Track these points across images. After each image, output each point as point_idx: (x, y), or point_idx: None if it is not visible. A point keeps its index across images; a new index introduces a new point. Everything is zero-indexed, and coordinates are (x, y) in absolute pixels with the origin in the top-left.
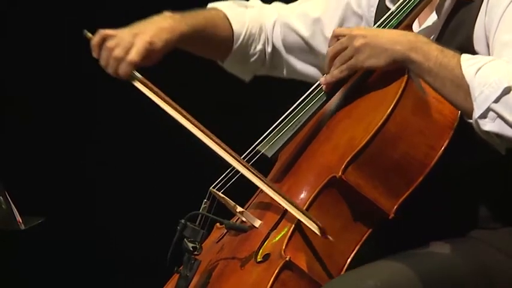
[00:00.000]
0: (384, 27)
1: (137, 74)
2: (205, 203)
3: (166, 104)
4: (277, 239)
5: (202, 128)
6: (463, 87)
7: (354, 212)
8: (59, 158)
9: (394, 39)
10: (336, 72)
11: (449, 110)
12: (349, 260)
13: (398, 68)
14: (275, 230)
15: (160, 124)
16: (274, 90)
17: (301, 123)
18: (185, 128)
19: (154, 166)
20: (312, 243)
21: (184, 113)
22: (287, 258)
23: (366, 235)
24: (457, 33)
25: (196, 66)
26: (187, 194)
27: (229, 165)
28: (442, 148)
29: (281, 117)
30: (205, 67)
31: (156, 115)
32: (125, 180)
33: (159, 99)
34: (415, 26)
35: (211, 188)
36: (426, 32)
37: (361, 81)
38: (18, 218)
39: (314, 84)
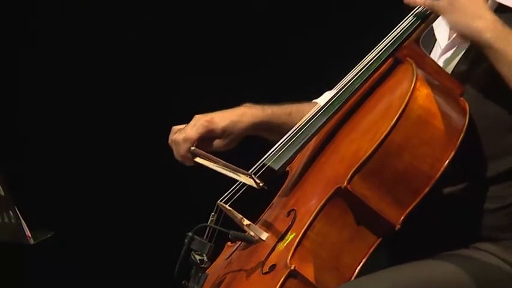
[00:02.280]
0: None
1: (197, 150)
2: (213, 216)
3: (224, 168)
4: (283, 249)
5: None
6: None
7: (360, 223)
8: (63, 168)
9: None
10: (419, 1)
11: (455, 122)
12: (356, 271)
13: (404, 79)
14: (281, 242)
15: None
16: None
17: (308, 137)
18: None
19: (162, 179)
20: (319, 254)
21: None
22: (292, 267)
23: (372, 247)
24: None
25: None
26: (194, 207)
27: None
28: (448, 160)
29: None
30: (213, 80)
31: (163, 128)
32: (132, 193)
33: (217, 166)
34: (445, 37)
35: (218, 201)
36: (460, 41)
37: (367, 94)
38: (28, 233)
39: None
